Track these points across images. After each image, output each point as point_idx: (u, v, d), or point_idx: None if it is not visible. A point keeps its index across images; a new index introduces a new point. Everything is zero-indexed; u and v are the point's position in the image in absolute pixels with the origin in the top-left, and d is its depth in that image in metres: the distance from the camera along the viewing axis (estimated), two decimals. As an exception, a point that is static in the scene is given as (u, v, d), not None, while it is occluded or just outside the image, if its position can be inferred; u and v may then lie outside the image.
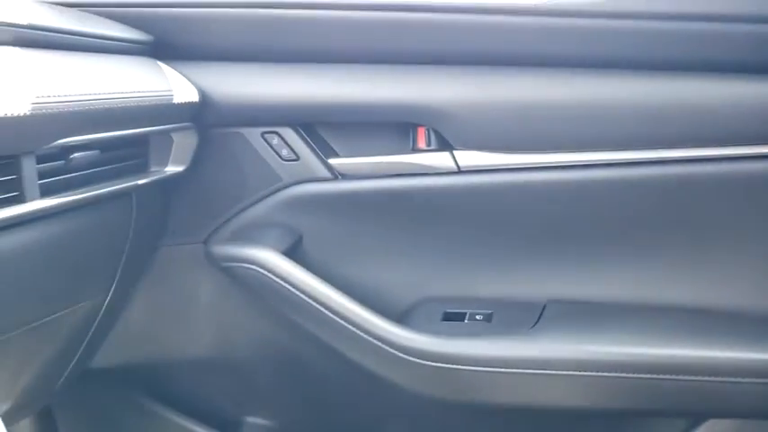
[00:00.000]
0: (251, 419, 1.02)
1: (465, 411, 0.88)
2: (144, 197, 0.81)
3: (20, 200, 0.59)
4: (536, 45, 0.82)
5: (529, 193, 0.85)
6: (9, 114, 0.55)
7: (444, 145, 0.84)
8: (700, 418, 0.84)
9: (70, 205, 0.66)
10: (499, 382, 0.79)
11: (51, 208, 0.63)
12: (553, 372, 0.77)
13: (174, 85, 0.79)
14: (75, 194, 0.66)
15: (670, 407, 0.79)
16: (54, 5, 0.75)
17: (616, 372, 0.76)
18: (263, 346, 0.95)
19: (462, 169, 0.83)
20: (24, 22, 0.62)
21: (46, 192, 0.62)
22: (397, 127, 0.86)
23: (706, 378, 0.75)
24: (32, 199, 0.60)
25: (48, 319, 0.75)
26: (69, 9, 0.78)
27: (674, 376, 0.75)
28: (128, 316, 0.93)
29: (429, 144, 0.84)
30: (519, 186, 0.84)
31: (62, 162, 0.66)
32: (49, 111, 0.59)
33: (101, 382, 1.02)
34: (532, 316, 0.83)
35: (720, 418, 0.84)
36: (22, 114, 0.56)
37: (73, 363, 0.87)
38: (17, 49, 0.60)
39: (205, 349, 0.96)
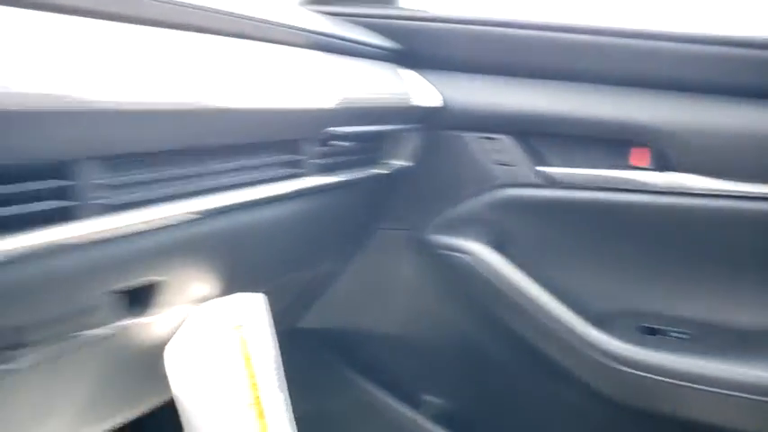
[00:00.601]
0: (429, 398, 1.11)
1: (653, 421, 0.90)
2: (373, 185, 0.93)
3: (298, 176, 0.72)
4: (761, 78, 0.83)
5: (742, 221, 0.85)
6: (304, 107, 0.67)
7: (661, 165, 0.87)
8: None
9: (328, 186, 0.78)
10: (697, 399, 0.81)
11: (316, 186, 0.76)
12: (758, 398, 0.78)
13: (414, 89, 0.90)
14: (336, 176, 0.79)
15: None
16: (327, 15, 0.88)
17: None
18: (451, 331, 1.03)
19: (676, 191, 0.85)
20: (318, 29, 0.75)
21: (315, 171, 0.75)
22: (612, 143, 0.90)
23: None
24: (307, 176, 0.73)
25: (285, 278, 0.88)
26: (335, 18, 0.91)
27: None
28: (336, 285, 1.05)
29: (645, 163, 0.87)
30: (733, 213, 0.85)
31: (325, 148, 0.78)
32: (326, 104, 0.71)
33: (301, 341, 1.16)
34: (733, 341, 0.84)
35: None
36: (310, 108, 0.68)
37: (288, 321, 1.01)
38: (310, 52, 0.73)
39: (398, 326, 1.06)
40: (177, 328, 0.69)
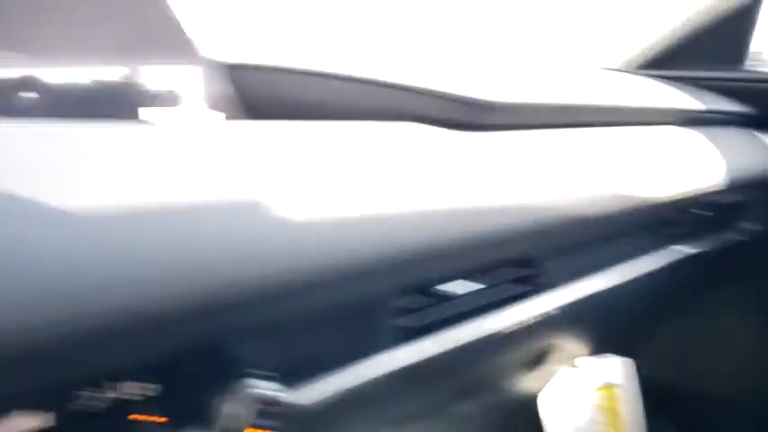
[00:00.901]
0: None
1: None
2: (728, 250, 0.91)
3: (665, 247, 0.77)
4: None
5: None
6: (677, 188, 0.71)
7: None
8: None
9: (691, 256, 0.81)
10: None
11: (681, 258, 0.79)
12: None
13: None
14: (697, 247, 0.81)
15: None
16: (668, 81, 0.90)
17: None
18: None
19: None
20: (675, 105, 0.79)
21: (680, 243, 0.79)
22: None
23: None
24: (673, 247, 0.77)
25: (638, 338, 0.92)
26: (681, 85, 0.92)
27: None
28: (670, 342, 1.06)
29: None
30: None
31: (689, 220, 0.81)
32: (694, 180, 0.74)
33: None
34: None
35: None
36: (683, 188, 0.72)
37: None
38: (670, 128, 0.77)
39: (728, 387, 1.03)
40: (550, 380, 0.78)
